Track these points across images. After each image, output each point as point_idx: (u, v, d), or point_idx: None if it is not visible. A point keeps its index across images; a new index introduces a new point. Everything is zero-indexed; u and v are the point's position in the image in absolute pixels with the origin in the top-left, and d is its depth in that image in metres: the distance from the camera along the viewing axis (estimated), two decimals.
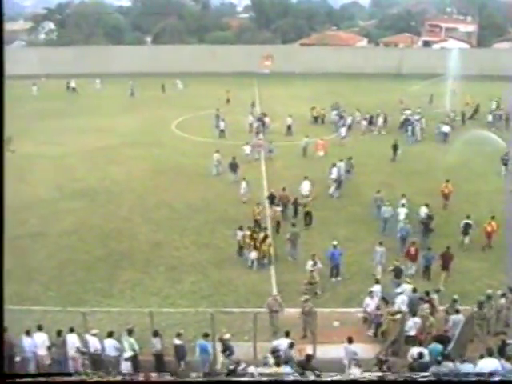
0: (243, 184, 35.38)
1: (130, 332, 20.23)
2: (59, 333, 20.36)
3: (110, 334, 20.19)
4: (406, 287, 22.96)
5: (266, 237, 27.76)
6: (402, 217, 30.18)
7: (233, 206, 34.63)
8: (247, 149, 43.79)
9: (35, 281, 26.75)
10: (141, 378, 11.51)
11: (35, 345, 20.28)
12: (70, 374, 12.11)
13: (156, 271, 27.33)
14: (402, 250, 27.85)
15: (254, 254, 27.46)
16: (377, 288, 22.95)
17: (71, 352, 20.25)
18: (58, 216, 34.12)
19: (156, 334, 20.28)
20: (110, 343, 20.15)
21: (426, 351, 19.03)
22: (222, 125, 51.42)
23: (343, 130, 49.49)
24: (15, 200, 36.19)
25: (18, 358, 20.68)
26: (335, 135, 50.50)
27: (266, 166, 43.00)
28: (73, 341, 20.25)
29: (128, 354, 19.91)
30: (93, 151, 46.98)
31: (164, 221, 33.09)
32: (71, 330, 20.28)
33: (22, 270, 27.71)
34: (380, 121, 52.65)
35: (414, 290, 22.57)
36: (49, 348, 20.31)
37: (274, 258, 27.93)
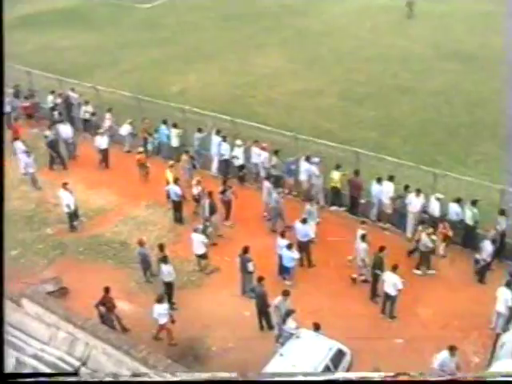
0: None
1: (474, 203, 19.84)
2: (406, 187, 20.81)
3: (458, 200, 20.04)
4: None
5: None
6: None
7: None
8: None
9: (395, 133, 27.45)
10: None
11: (382, 192, 21.12)
12: (70, 374, 11.49)
13: None
14: None
15: None
16: None
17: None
18: (429, 74, 33.83)
19: (502, 212, 19.56)
20: (453, 208, 20.06)
21: None
22: None
23: None
24: (390, 52, 36.72)
25: (362, 201, 21.92)
26: None
27: None
28: (416, 201, 20.57)
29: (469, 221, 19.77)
30: (474, 16, 44.40)
31: None
32: (418, 191, 20.51)
33: (385, 120, 28.65)
34: None
35: None
36: (393, 199, 21.02)
37: None
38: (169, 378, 12.39)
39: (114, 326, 16.78)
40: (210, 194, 20.89)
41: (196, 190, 21.70)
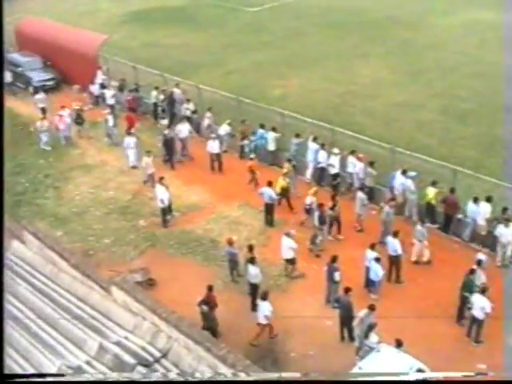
0: None
1: None
2: (504, 210, 20.09)
3: None
4: None
5: None
6: None
7: None
8: None
9: (496, 153, 26.53)
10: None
11: (478, 212, 20.53)
12: (70, 375, 11.03)
13: None
14: None
15: None
16: None
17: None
18: None
19: None
20: None
21: None
22: None
23: None
24: (496, 70, 35.33)
25: (458, 219, 21.38)
26: None
27: None
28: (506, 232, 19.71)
29: None
30: None
31: None
32: (507, 220, 19.67)
33: (487, 138, 27.95)
34: None
35: None
36: (489, 221, 20.37)
37: None
38: (169, 378, 12.67)
39: (215, 325, 17.02)
40: (321, 206, 20.80)
41: (309, 200, 21.56)
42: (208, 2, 52.10)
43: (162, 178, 22.68)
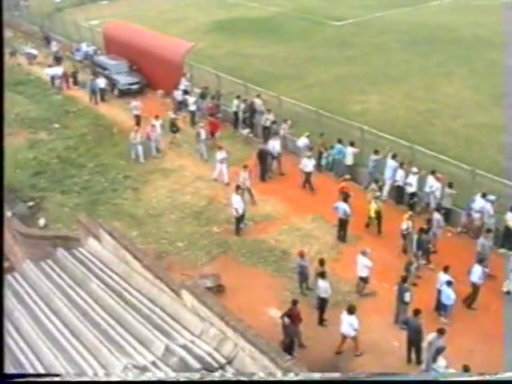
0: None
1: None
2: None
3: None
4: None
5: None
6: None
7: None
8: None
9: None
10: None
11: None
12: (68, 375, 10.62)
13: None
14: None
15: None
16: None
17: None
18: None
19: None
20: None
21: None
22: None
23: None
24: None
25: None
26: None
27: None
28: None
29: None
30: None
31: None
32: None
33: None
34: None
35: None
36: None
37: None
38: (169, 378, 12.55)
39: (295, 338, 16.98)
40: (420, 231, 20.17)
41: (405, 225, 20.98)
42: (293, 15, 52.32)
43: (238, 188, 22.86)
